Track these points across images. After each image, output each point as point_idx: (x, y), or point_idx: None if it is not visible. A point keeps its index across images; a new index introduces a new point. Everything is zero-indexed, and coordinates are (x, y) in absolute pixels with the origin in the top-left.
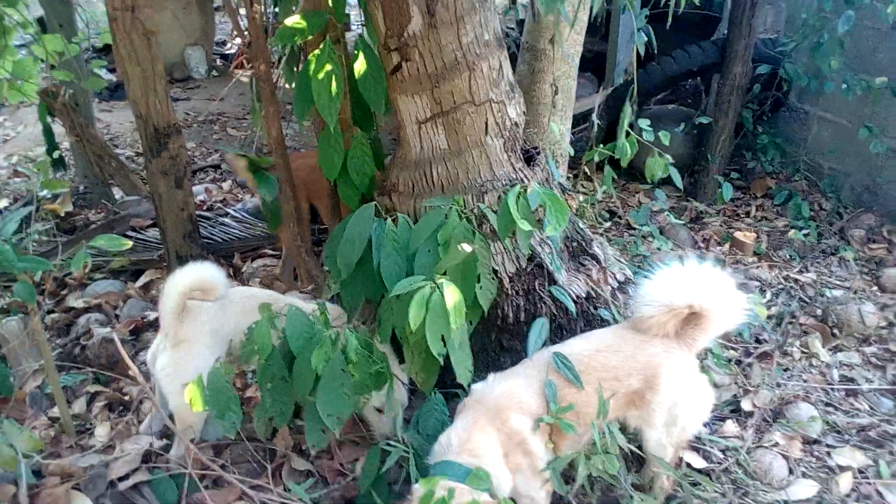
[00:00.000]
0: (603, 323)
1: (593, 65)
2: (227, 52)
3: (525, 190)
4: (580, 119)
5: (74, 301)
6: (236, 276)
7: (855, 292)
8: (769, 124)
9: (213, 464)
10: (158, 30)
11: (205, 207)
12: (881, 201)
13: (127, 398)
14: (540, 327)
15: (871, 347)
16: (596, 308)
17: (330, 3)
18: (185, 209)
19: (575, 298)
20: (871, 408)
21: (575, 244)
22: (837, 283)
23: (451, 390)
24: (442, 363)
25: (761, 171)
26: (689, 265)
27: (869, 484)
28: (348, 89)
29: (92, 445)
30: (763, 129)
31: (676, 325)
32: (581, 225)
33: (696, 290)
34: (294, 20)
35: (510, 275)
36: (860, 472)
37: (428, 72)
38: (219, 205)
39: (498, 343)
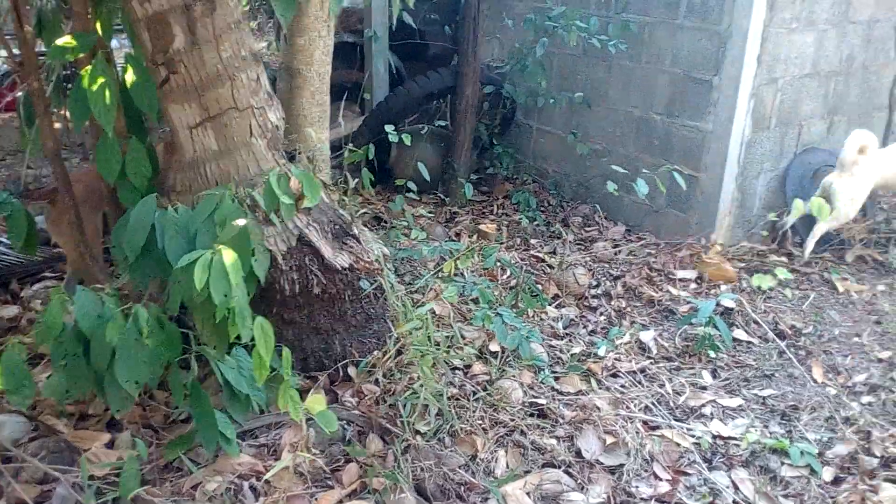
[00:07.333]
0: (362, 292)
1: (355, 94)
2: None
3: (287, 174)
4: (338, 145)
5: None
6: (16, 300)
7: (568, 263)
8: (502, 137)
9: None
10: None
11: None
12: (592, 194)
13: None
14: None
15: (584, 301)
16: (359, 279)
17: (98, 28)
18: None
19: (340, 269)
20: (586, 345)
21: (337, 227)
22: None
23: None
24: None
25: (501, 178)
26: None
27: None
28: (120, 101)
29: None
30: (498, 142)
31: None
32: (341, 212)
33: None
34: (65, 40)
35: (283, 253)
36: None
37: (194, 82)
38: None
39: (280, 317)
